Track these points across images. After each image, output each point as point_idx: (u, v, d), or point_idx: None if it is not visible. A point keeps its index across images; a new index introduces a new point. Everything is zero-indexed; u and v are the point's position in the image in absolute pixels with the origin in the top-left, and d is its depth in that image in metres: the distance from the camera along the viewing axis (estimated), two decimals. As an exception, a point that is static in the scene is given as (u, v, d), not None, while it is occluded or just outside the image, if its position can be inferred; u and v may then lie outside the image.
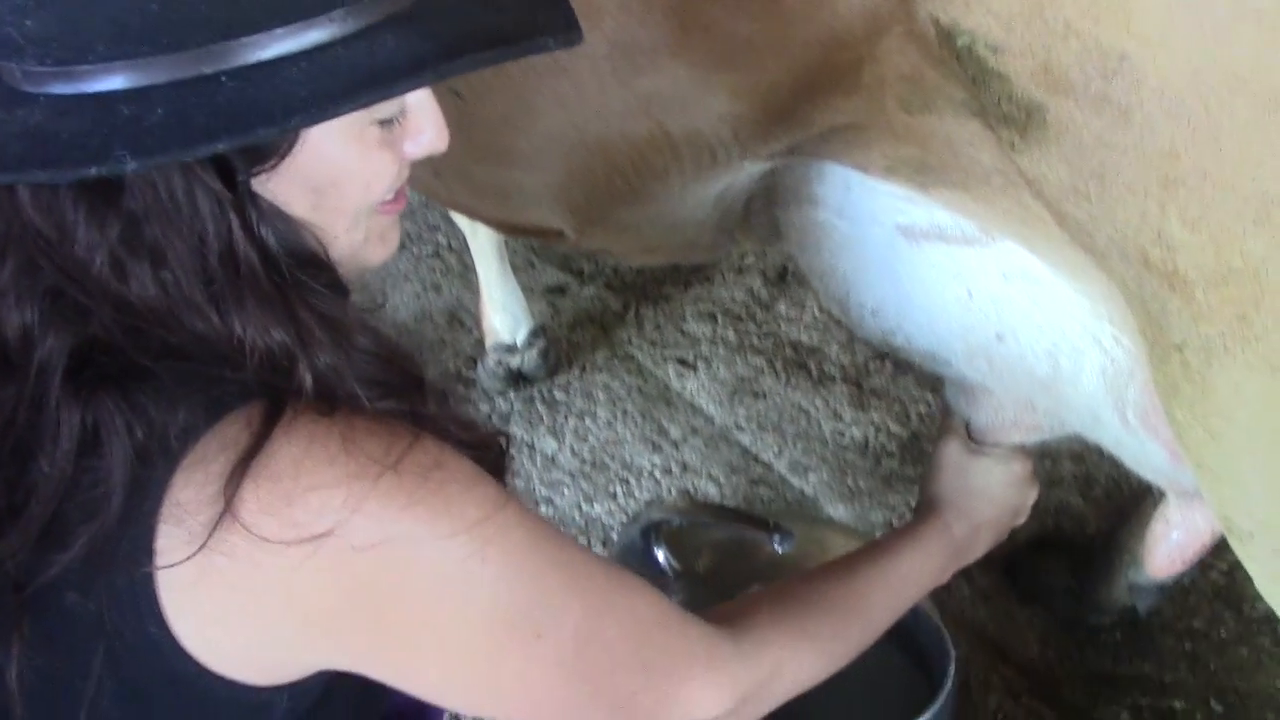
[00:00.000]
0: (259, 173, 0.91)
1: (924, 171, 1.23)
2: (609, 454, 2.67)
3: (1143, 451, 1.33)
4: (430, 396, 1.05)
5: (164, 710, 0.97)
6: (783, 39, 1.21)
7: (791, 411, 2.72)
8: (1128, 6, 0.96)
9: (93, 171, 0.82)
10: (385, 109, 0.96)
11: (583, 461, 2.66)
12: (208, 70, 0.84)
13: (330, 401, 0.96)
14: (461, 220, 2.72)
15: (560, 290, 3.21)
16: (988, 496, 1.49)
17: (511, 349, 2.85)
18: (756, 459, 2.62)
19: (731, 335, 2.96)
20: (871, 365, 2.80)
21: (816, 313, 2.97)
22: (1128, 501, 2.12)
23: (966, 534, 1.47)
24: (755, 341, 2.94)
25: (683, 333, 3.00)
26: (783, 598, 1.28)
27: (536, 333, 2.87)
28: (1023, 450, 1.49)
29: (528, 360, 2.85)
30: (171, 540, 0.90)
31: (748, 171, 1.43)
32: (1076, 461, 2.40)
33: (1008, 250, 1.25)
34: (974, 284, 1.29)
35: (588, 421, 2.77)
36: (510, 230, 1.81)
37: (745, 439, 2.67)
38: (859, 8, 1.15)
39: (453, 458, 0.98)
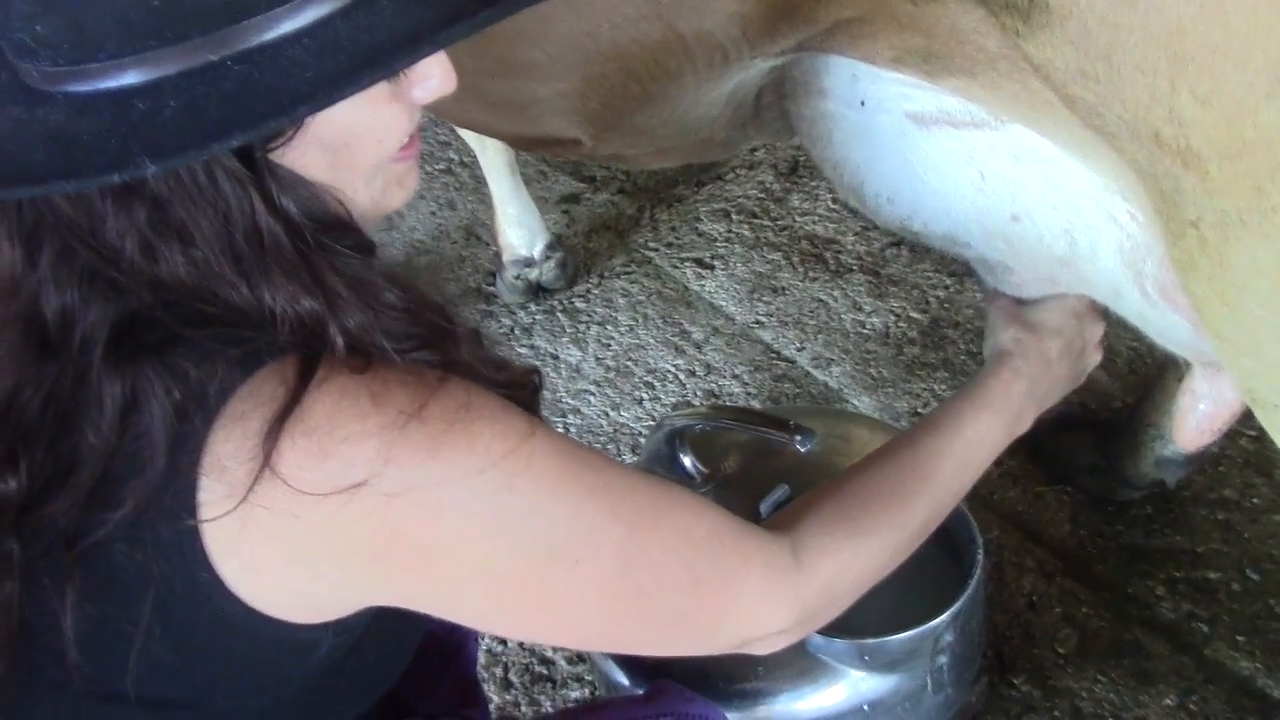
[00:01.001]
0: (275, 148, 0.93)
1: (930, 60, 1.22)
2: (633, 359, 2.69)
3: (1164, 324, 1.33)
4: (461, 342, 1.06)
5: (213, 652, 0.99)
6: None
7: (811, 305, 2.72)
8: None
9: (115, 179, 0.84)
10: None
11: (607, 369, 2.68)
12: (213, 57, 0.86)
13: (363, 356, 0.97)
14: (469, 136, 2.71)
15: (574, 199, 3.20)
16: (1051, 329, 1.42)
17: (529, 262, 2.85)
18: (779, 355, 2.63)
19: (747, 232, 2.96)
20: (888, 253, 2.80)
21: (830, 204, 2.96)
22: (1152, 374, 2.12)
23: (1037, 374, 1.38)
24: (771, 237, 2.93)
25: (698, 233, 2.99)
26: (840, 494, 1.24)
27: (553, 244, 2.87)
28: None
29: (545, 272, 2.86)
30: (213, 494, 0.92)
31: (757, 68, 1.42)
32: (1099, 337, 2.40)
33: (1017, 133, 1.25)
34: (986, 167, 1.29)
35: (609, 329, 2.78)
36: (525, 144, 1.80)
37: (767, 336, 2.68)
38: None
39: (479, 396, 0.99)
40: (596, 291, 2.90)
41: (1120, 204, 1.25)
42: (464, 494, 0.96)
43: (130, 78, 0.87)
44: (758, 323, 2.72)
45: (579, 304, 2.87)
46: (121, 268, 0.93)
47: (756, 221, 2.98)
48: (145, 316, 0.95)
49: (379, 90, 0.96)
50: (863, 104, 1.35)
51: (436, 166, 3.39)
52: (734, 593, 1.10)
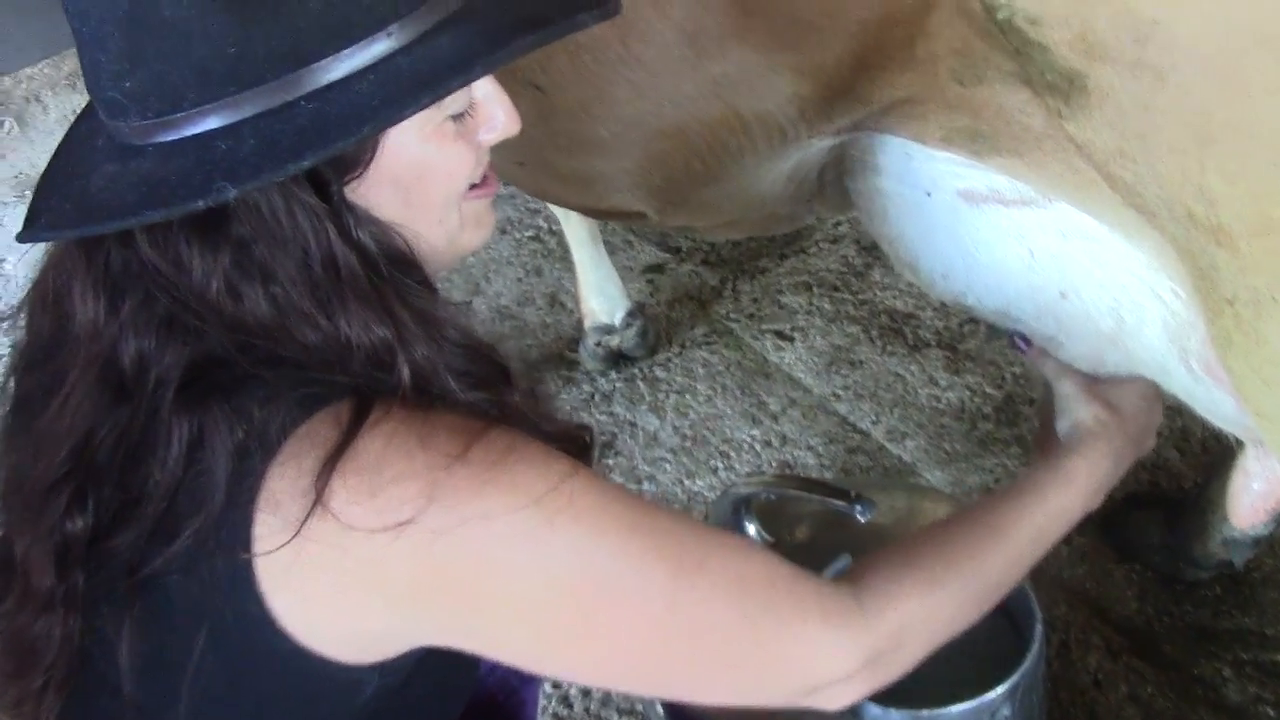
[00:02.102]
0: (350, 180, 1.01)
1: (978, 140, 1.27)
2: (709, 429, 2.73)
3: (1210, 400, 1.34)
4: (515, 388, 1.11)
5: (262, 686, 1.04)
6: (839, 19, 1.26)
7: (887, 379, 2.75)
8: (1155, -28, 0.99)
9: (200, 204, 0.91)
10: (453, 104, 1.04)
11: (684, 437, 2.72)
12: (288, 98, 0.94)
13: (423, 395, 1.03)
14: (554, 205, 2.80)
15: (658, 268, 3.27)
16: (1130, 411, 1.41)
17: (610, 329, 2.92)
18: (854, 427, 2.65)
19: (827, 305, 3.00)
20: (966, 329, 2.82)
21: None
22: (1223, 455, 2.11)
23: (1121, 456, 1.38)
24: (851, 310, 2.97)
25: (779, 305, 3.04)
26: (911, 548, 1.24)
27: (634, 312, 2.94)
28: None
29: (626, 339, 2.92)
30: (268, 528, 0.97)
31: (816, 146, 1.48)
32: (1172, 417, 2.39)
33: (1064, 211, 1.28)
34: (1035, 244, 1.32)
35: (688, 397, 2.83)
36: (596, 215, 1.88)
37: (842, 408, 2.71)
38: (910, -17, 1.19)
39: (524, 442, 1.03)
40: (677, 361, 2.95)
41: (1164, 281, 1.28)
42: (506, 530, 0.99)
43: (211, 122, 0.95)
44: (834, 395, 2.75)
45: (659, 372, 2.92)
46: (202, 311, 1.00)
47: (837, 295, 3.02)
48: (218, 358, 1.01)
49: (446, 130, 1.04)
50: (917, 183, 1.40)
51: (525, 233, 3.49)
52: (792, 636, 1.10)
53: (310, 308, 1.00)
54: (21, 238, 1.01)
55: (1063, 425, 1.44)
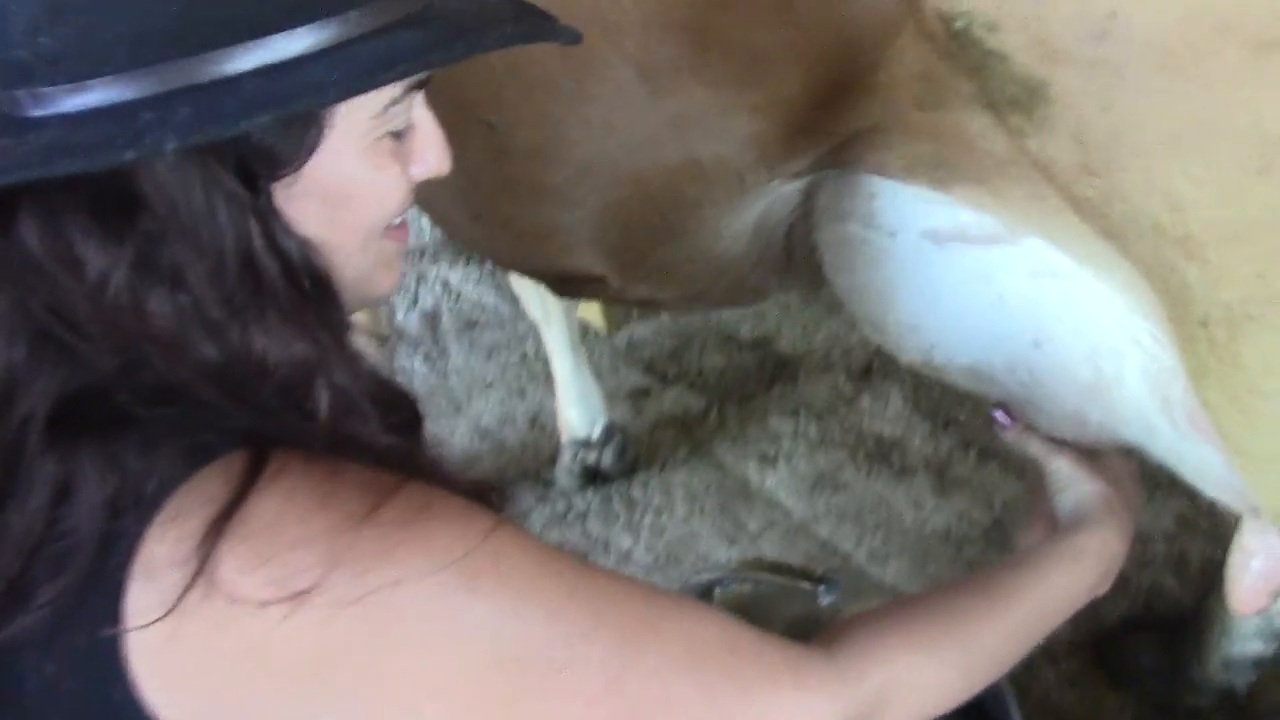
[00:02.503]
0: (281, 176, 0.89)
1: (940, 167, 1.21)
2: (685, 547, 2.62)
3: (1198, 458, 1.25)
4: (426, 437, 1.01)
5: None
6: (798, 50, 1.21)
7: (872, 502, 2.65)
8: (1111, -38, 0.95)
9: (128, 156, 0.79)
10: (397, 118, 0.95)
11: (657, 556, 2.61)
12: (230, 71, 0.82)
13: (333, 438, 0.92)
14: (534, 309, 2.74)
15: (644, 392, 3.20)
16: (1126, 486, 1.32)
17: (588, 444, 2.83)
18: (835, 549, 2.54)
19: (814, 430, 2.91)
20: (955, 454, 2.73)
21: (900, 405, 2.92)
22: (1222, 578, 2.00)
23: (1123, 529, 1.28)
24: (837, 435, 2.88)
25: (765, 429, 2.95)
26: (901, 609, 1.13)
27: (612, 429, 2.85)
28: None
29: (605, 456, 2.83)
30: (141, 601, 0.84)
31: (779, 194, 1.42)
32: (1170, 541, 2.29)
33: (1033, 247, 1.22)
34: (1004, 286, 1.25)
35: (664, 517, 2.73)
36: (557, 282, 1.81)
37: (824, 530, 2.60)
38: (870, 12, 1.14)
39: (441, 499, 0.92)
40: (655, 481, 2.85)
41: (1141, 324, 1.20)
42: (420, 597, 0.87)
43: (136, 90, 0.81)
44: (816, 518, 2.64)
45: (636, 492, 2.82)
46: (89, 321, 0.87)
47: (824, 421, 2.94)
48: (95, 389, 0.89)
49: (384, 147, 0.94)
50: (882, 224, 1.34)
51: (512, 357, 3.43)
52: (761, 703, 0.98)
53: (220, 316, 0.88)
54: None
55: (1065, 503, 1.34)
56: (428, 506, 0.90)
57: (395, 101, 0.93)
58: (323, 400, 0.91)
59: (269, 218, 0.89)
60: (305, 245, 0.93)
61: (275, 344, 0.90)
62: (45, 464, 0.86)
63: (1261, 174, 0.94)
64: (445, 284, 3.81)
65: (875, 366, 3.07)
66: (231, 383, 0.89)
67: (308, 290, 0.92)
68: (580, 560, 0.98)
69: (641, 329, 3.45)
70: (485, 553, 0.89)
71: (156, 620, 0.83)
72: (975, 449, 2.71)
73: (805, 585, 1.58)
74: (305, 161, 0.90)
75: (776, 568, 1.68)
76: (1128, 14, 0.95)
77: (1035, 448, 1.38)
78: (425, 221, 3.52)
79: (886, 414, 2.92)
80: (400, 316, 3.64)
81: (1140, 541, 2.19)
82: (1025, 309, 1.26)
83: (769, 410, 3.02)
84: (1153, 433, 1.28)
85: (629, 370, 3.29)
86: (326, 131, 0.90)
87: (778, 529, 2.62)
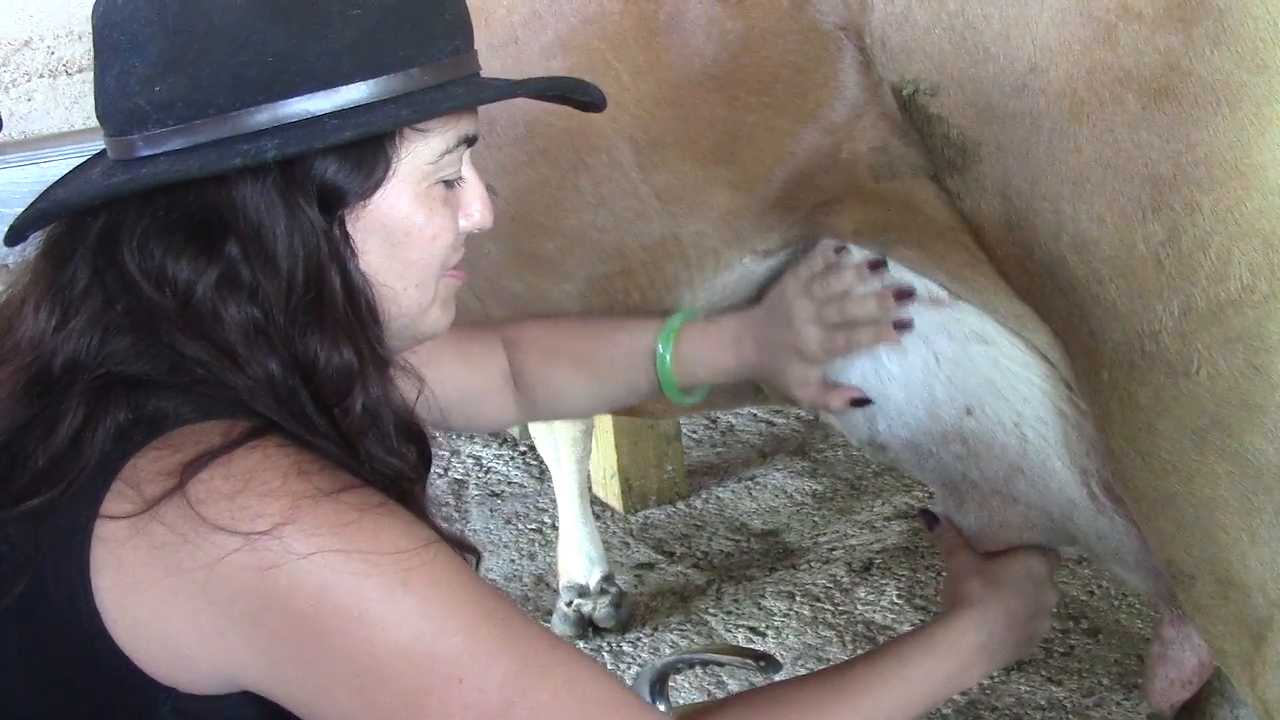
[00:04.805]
0: (355, 205, 1.04)
1: (887, 231, 1.33)
2: (664, 701, 2.64)
3: (1117, 538, 1.32)
4: (427, 474, 1.12)
5: (51, 668, 1.00)
6: (776, 130, 1.36)
7: (853, 676, 2.66)
8: (1029, 20, 1.09)
9: (236, 163, 0.96)
10: (448, 169, 1.10)
11: (637, 704, 2.63)
12: (314, 111, 0.99)
13: (343, 444, 1.04)
14: (546, 451, 2.85)
15: (649, 566, 3.27)
16: (1014, 588, 1.40)
17: (584, 591, 2.89)
18: None
19: (807, 611, 2.95)
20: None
21: (895, 599, 2.96)
22: None
23: (995, 631, 1.36)
24: (829, 618, 2.92)
25: (759, 606, 3.00)
26: (757, 698, 1.23)
27: (610, 579, 2.92)
28: (1041, 549, 1.44)
29: (600, 607, 2.89)
30: (120, 498, 0.96)
31: (748, 270, 1.53)
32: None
33: (966, 312, 1.32)
34: (939, 347, 1.35)
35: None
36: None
37: (803, 698, 2.61)
38: (843, 97, 1.29)
39: (396, 505, 1.01)
40: (646, 640, 2.90)
41: (1063, 391, 1.30)
42: (359, 573, 0.95)
43: (230, 129, 0.98)
44: (797, 686, 2.66)
45: (626, 647, 2.87)
46: (158, 330, 1.01)
47: (818, 605, 2.99)
48: (146, 378, 1.02)
49: (436, 192, 1.09)
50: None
51: (529, 525, 3.53)
52: None
53: (283, 324, 1.02)
54: (9, 240, 1.04)
55: (945, 596, 1.45)
56: (385, 504, 1.01)
57: (448, 150, 1.09)
58: (356, 406, 1.04)
59: (338, 243, 1.05)
60: (367, 277, 1.07)
61: (327, 346, 1.03)
62: (77, 406, 1.00)
63: (1154, 212, 1.06)
64: (477, 459, 3.94)
65: (876, 563, 3.13)
66: (283, 390, 1.03)
67: (361, 313, 1.06)
68: (504, 595, 1.08)
69: (657, 513, 3.54)
70: (424, 557, 0.98)
71: (128, 517, 0.95)
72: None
73: (750, 663, 1.63)
74: (372, 194, 1.06)
75: (727, 649, 1.73)
76: (1044, 68, 1.09)
77: (945, 544, 1.50)
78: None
79: (880, 603, 2.95)
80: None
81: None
82: (958, 374, 1.36)
83: (766, 591, 3.07)
84: (1075, 509, 1.35)
85: (639, 545, 3.37)
86: (392, 172, 1.06)
87: (757, 692, 2.63)
